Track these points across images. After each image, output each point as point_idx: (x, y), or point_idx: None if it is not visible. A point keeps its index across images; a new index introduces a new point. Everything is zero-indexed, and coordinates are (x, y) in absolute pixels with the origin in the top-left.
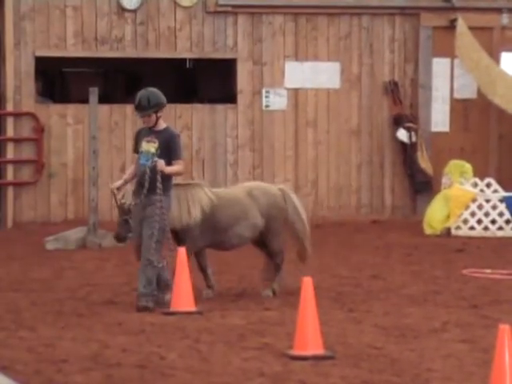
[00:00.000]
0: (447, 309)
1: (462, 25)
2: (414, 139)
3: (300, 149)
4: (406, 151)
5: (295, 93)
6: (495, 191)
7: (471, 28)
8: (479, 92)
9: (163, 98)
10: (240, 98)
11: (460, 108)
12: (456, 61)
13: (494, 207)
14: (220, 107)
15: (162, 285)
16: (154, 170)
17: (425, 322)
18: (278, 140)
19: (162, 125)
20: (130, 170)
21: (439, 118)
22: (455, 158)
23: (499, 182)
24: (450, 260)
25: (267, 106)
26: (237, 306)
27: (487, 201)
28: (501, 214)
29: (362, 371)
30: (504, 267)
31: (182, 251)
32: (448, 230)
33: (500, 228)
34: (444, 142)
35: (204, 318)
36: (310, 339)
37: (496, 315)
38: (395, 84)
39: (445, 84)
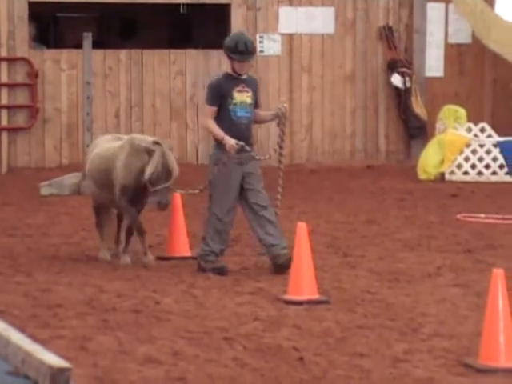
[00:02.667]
0: (441, 254)
1: None
2: (408, 84)
3: (294, 94)
4: (401, 96)
5: (289, 38)
6: (489, 136)
7: None
8: (474, 37)
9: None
10: None
11: (454, 53)
12: (451, 5)
13: (488, 152)
14: (214, 52)
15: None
16: (282, 117)
17: (419, 266)
18: (272, 85)
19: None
20: (216, 125)
21: (433, 63)
22: (449, 103)
23: (493, 127)
24: (443, 205)
25: (261, 52)
26: (232, 252)
27: (481, 146)
28: (495, 159)
29: (357, 316)
30: (498, 212)
31: (175, 198)
32: (442, 175)
33: (494, 173)
34: (438, 87)
35: (188, 263)
36: (304, 284)
37: (490, 260)
38: (390, 29)
39: (439, 29)
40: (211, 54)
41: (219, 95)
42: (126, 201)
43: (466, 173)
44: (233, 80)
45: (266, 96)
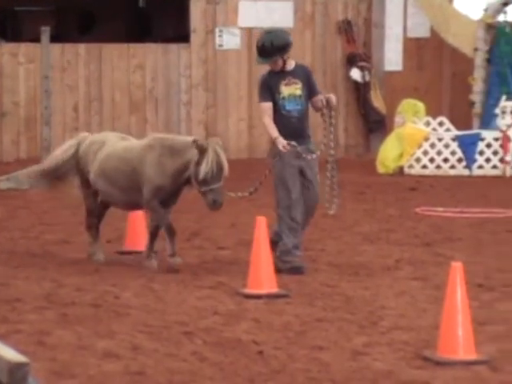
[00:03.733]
0: (400, 247)
1: None
2: (367, 78)
3: (254, 88)
4: (360, 90)
5: (249, 32)
6: (448, 130)
7: None
8: (432, 31)
9: (288, 38)
10: (193, 38)
11: (413, 47)
12: (409, 0)
13: (447, 146)
14: (173, 46)
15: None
16: (324, 108)
17: (378, 260)
18: (231, 79)
19: (291, 63)
20: (272, 124)
21: (392, 57)
22: (408, 97)
23: (452, 121)
24: (403, 198)
25: (221, 46)
26: (191, 245)
27: (440, 139)
28: (453, 153)
29: (316, 309)
30: (456, 205)
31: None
32: (401, 168)
33: (452, 166)
34: (397, 81)
35: (158, 257)
36: (263, 278)
37: (448, 253)
38: (348, 23)
39: (398, 23)
40: (170, 47)
41: (269, 90)
42: (157, 202)
43: (424, 166)
44: (279, 74)
45: (225, 90)
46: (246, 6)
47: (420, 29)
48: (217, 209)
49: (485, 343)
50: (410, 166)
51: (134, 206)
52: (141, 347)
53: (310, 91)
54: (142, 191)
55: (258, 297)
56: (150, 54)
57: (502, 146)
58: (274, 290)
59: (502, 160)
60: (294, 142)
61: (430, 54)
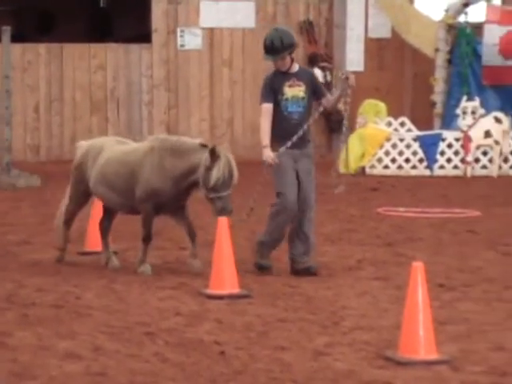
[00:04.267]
0: (362, 247)
1: None
2: (328, 79)
3: (215, 88)
4: None
5: (210, 32)
6: (409, 130)
7: None
8: (393, 31)
9: (295, 37)
10: (155, 38)
11: (374, 47)
12: (370, 0)
13: (408, 146)
14: (134, 46)
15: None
16: (344, 84)
17: (340, 260)
18: (193, 80)
19: (295, 65)
20: (266, 129)
21: (354, 58)
22: (370, 98)
23: (413, 121)
24: (364, 199)
25: (182, 46)
26: (153, 246)
27: (401, 140)
28: (414, 153)
29: (278, 309)
30: (417, 205)
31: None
32: (363, 168)
33: (414, 167)
34: (358, 82)
35: (120, 258)
36: (225, 278)
37: (410, 253)
38: (310, 24)
39: (359, 23)
40: (131, 48)
41: (272, 91)
42: (151, 205)
43: (386, 167)
44: (283, 75)
45: (186, 90)
46: (208, 6)
47: (381, 29)
48: (225, 216)
49: (446, 343)
50: (372, 167)
51: (137, 210)
52: (102, 348)
53: (316, 94)
54: (135, 191)
55: (220, 297)
56: (111, 54)
57: (462, 146)
58: (236, 290)
59: (462, 160)
60: (282, 149)
61: (392, 54)
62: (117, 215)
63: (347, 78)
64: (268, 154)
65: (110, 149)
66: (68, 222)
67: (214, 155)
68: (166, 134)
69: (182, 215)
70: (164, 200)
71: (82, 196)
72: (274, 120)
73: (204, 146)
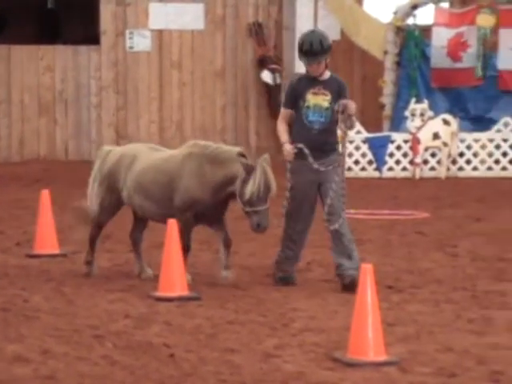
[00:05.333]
0: (311, 249)
1: None
2: (278, 81)
3: (164, 90)
4: (271, 93)
5: (159, 34)
6: (358, 132)
7: None
8: (343, 33)
9: (331, 41)
10: (103, 39)
11: None
12: (320, 2)
13: (358, 148)
14: (83, 48)
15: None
16: (344, 112)
17: None
18: (142, 82)
19: (327, 73)
20: (284, 129)
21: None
22: None
23: (362, 123)
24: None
25: (131, 48)
26: (102, 248)
27: (350, 142)
28: (364, 155)
29: (228, 312)
30: (366, 207)
31: (45, 194)
32: None
33: (363, 169)
34: None
35: (69, 261)
36: (175, 281)
37: (359, 255)
38: (259, 25)
39: (308, 25)
40: (80, 50)
41: (293, 97)
42: (191, 215)
43: None
44: (310, 81)
45: (135, 92)
46: (157, 8)
47: (330, 31)
48: (261, 232)
49: (394, 344)
50: None
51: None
52: (51, 351)
53: None
54: (174, 200)
55: (170, 300)
56: (59, 56)
57: (411, 148)
58: (186, 292)
59: (411, 162)
60: (301, 145)
61: (341, 56)
62: (148, 224)
63: (343, 111)
64: (287, 149)
65: (144, 156)
66: (98, 233)
67: (248, 168)
68: (204, 141)
69: (219, 226)
70: (203, 209)
71: (115, 206)
72: (295, 128)
73: (242, 155)
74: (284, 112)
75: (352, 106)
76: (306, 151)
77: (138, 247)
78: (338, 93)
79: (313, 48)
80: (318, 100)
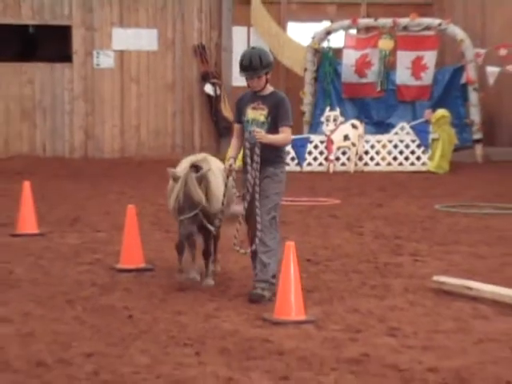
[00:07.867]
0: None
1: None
2: (218, 92)
3: (125, 100)
4: (212, 102)
5: (121, 54)
6: None
7: (263, 2)
8: (272, 53)
9: (272, 57)
10: (75, 58)
11: None
12: (252, 28)
13: None
14: (58, 65)
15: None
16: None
17: (226, 240)
18: (106, 93)
19: (269, 88)
20: (232, 144)
21: (238, 76)
22: None
23: None
24: None
25: (98, 65)
26: (73, 229)
27: None
28: (287, 153)
29: (176, 281)
30: (289, 196)
31: (26, 184)
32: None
33: (286, 164)
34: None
35: (45, 239)
36: (133, 255)
37: (283, 234)
38: (203, 47)
39: (243, 47)
40: (56, 66)
41: (239, 112)
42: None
43: None
44: (251, 97)
45: (101, 101)
46: (119, 32)
47: None
48: (183, 241)
49: (312, 307)
50: None
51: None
52: (30, 313)
53: (277, 120)
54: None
55: (129, 271)
56: (38, 71)
57: (326, 147)
58: (142, 265)
59: (326, 159)
60: (232, 161)
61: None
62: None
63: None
64: (225, 167)
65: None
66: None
67: (175, 178)
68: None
69: (204, 237)
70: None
71: None
72: (243, 140)
73: (195, 166)
74: (235, 127)
75: (259, 134)
76: (234, 166)
77: (193, 250)
78: (275, 107)
79: (252, 64)
80: (256, 115)
